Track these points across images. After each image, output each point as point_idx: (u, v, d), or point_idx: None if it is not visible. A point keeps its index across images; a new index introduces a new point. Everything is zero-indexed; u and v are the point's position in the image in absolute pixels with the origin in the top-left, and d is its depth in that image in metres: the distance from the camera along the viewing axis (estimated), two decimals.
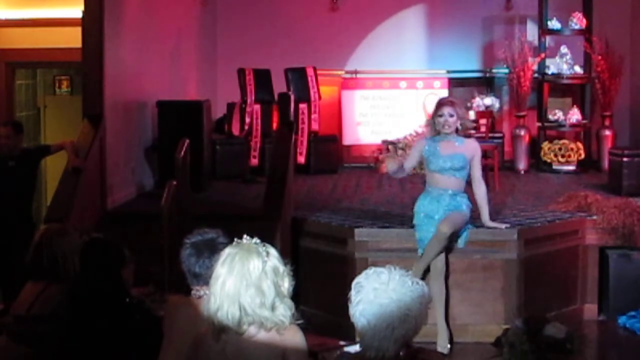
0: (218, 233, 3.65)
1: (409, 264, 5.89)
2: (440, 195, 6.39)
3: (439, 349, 6.36)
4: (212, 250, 3.48)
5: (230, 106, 10.71)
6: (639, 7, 11.44)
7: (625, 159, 8.62)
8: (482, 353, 6.60)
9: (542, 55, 10.81)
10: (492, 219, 6.81)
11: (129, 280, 4.13)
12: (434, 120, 6.46)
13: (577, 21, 10.79)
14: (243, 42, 12.02)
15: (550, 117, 10.82)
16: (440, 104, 6.49)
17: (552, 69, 10.85)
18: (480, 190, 6.58)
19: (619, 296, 7.40)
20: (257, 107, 10.49)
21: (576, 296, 7.43)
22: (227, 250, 3.05)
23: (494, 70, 11.87)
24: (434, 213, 6.37)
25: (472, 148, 6.47)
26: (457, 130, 6.41)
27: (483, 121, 10.37)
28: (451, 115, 6.36)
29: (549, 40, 11.04)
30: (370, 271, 2.83)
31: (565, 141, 10.65)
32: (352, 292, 2.80)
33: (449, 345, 6.51)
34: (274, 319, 2.98)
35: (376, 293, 2.76)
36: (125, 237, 4.61)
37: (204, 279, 3.42)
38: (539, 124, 10.93)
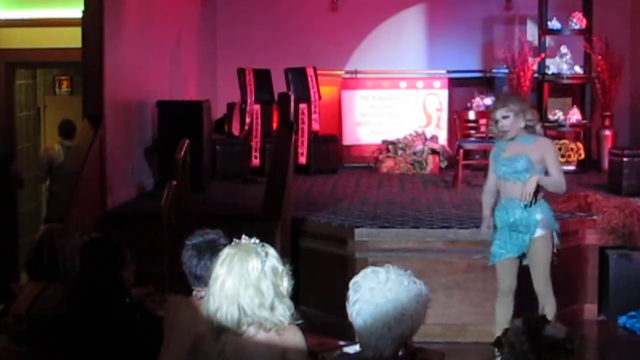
0: (219, 234, 3.64)
1: (408, 264, 5.86)
2: (510, 207, 5.67)
3: None
4: (213, 251, 3.45)
5: (230, 106, 10.71)
6: (639, 7, 11.43)
7: (625, 159, 8.61)
8: (482, 353, 6.59)
9: (542, 55, 10.81)
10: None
11: (129, 280, 4.13)
12: (491, 126, 5.74)
13: (577, 21, 10.78)
14: (243, 42, 12.02)
15: (550, 117, 10.81)
16: (494, 106, 5.76)
17: (552, 69, 10.84)
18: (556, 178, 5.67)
19: (619, 296, 7.40)
20: (257, 107, 10.49)
21: (576, 296, 7.42)
22: (226, 251, 3.05)
23: (494, 70, 11.86)
24: (508, 224, 5.73)
25: (542, 146, 5.65)
26: (526, 127, 5.65)
27: (483, 121, 10.36)
28: (505, 117, 5.59)
29: (549, 40, 11.03)
30: (368, 271, 2.83)
31: (565, 141, 10.64)
32: (350, 292, 2.80)
33: None
34: (273, 319, 2.98)
35: (373, 293, 2.75)
36: (125, 237, 4.61)
37: (205, 280, 3.41)
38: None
